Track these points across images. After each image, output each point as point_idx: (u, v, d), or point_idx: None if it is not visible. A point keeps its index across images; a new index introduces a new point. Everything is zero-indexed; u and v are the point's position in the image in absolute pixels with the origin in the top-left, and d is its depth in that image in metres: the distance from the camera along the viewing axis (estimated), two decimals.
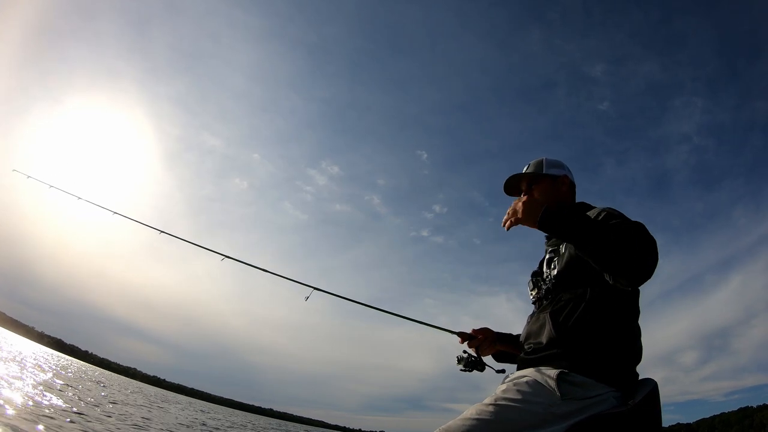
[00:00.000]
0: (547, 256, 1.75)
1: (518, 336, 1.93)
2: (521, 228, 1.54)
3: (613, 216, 1.46)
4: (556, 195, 1.80)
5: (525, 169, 1.89)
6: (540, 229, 1.46)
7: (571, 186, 1.85)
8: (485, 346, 1.90)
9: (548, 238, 1.80)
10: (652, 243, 1.28)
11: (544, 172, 1.83)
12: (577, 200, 1.85)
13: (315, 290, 2.44)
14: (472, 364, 1.81)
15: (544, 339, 1.52)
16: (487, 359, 1.93)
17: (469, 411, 1.38)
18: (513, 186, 1.90)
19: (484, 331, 1.80)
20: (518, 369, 1.58)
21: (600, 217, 1.49)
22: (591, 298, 1.47)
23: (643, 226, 1.33)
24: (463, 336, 1.82)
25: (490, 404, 1.37)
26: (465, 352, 1.85)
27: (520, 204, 1.48)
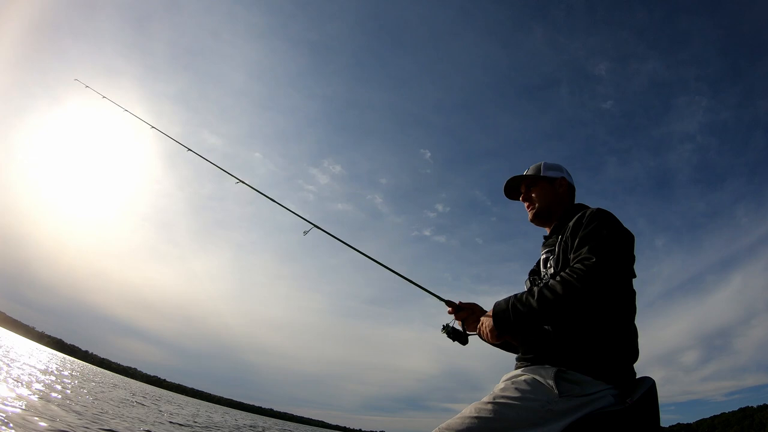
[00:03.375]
0: (543, 256, 1.78)
1: None
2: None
3: (590, 233, 1.48)
4: (554, 196, 1.87)
5: (525, 173, 1.96)
6: (503, 335, 1.54)
7: (570, 188, 1.90)
8: (471, 320, 1.83)
9: (545, 238, 1.83)
10: (593, 285, 1.35)
11: (542, 174, 1.90)
12: (577, 201, 1.90)
13: (315, 227, 2.49)
14: (455, 334, 1.79)
15: (542, 338, 1.53)
16: (472, 336, 1.85)
17: (468, 409, 1.40)
18: (513, 189, 1.99)
19: (472, 306, 1.79)
20: (516, 368, 1.59)
21: (582, 224, 1.55)
22: None
23: (593, 272, 1.36)
24: (451, 305, 1.81)
25: (489, 402, 1.39)
26: (452, 322, 1.85)
27: (483, 327, 1.58)
